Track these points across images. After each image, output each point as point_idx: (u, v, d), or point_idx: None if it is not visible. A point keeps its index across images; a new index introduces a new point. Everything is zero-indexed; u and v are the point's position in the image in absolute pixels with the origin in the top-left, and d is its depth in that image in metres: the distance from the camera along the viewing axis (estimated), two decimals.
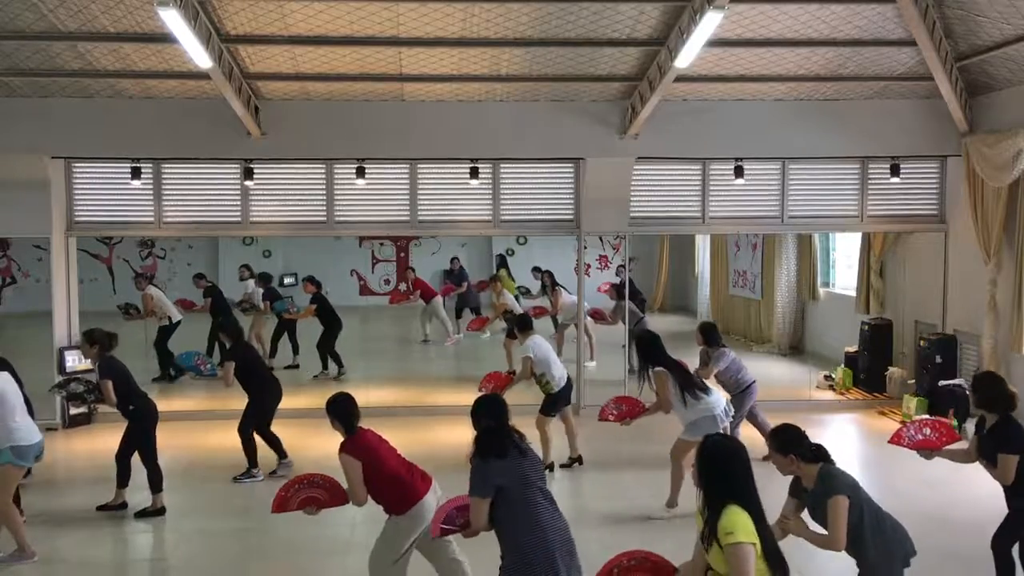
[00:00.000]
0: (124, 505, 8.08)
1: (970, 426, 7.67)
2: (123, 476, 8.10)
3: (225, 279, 16.35)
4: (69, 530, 7.41)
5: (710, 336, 9.36)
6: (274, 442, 9.14)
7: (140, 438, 8.02)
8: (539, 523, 4.58)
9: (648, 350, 8.01)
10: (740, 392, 9.18)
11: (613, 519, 7.76)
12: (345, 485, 5.48)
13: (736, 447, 4.08)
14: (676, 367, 7.92)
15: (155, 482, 8.00)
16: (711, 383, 8.43)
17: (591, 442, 9.76)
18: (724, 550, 3.80)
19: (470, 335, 16.13)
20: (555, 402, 9.10)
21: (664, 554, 4.41)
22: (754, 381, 9.27)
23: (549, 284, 14.59)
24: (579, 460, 9.37)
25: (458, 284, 16.74)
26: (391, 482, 5.42)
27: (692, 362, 9.30)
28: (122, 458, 8.07)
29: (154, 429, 8.10)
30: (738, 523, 3.80)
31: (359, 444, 5.47)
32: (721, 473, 3.94)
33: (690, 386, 7.80)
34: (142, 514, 7.95)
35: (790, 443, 4.74)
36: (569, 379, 9.24)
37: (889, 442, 5.93)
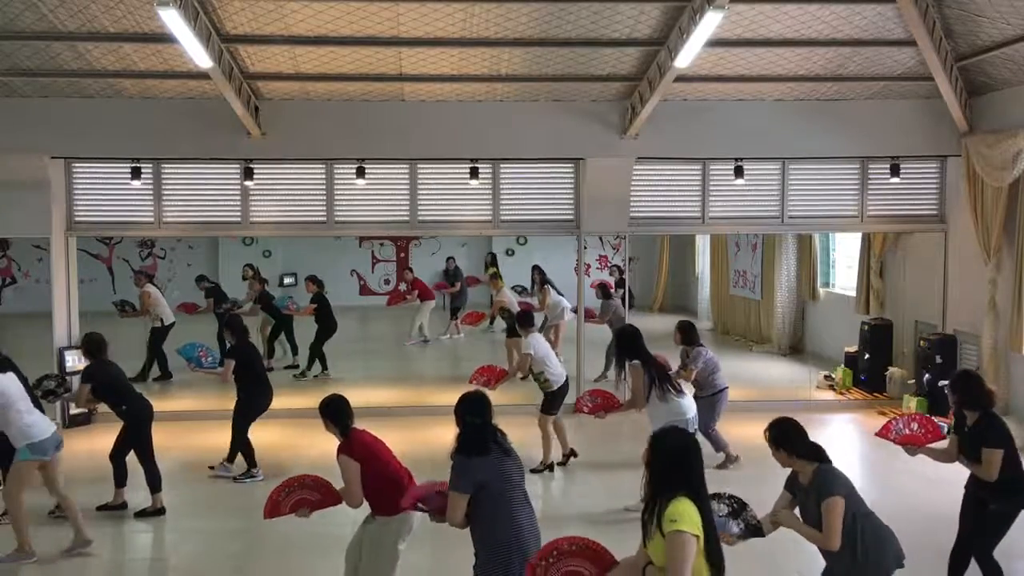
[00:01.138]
0: (124, 505, 8.09)
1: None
2: (119, 476, 8.12)
3: (225, 279, 16.35)
4: (69, 530, 7.39)
5: (688, 335, 9.28)
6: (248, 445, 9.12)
7: (134, 438, 8.03)
8: (517, 523, 4.60)
9: (626, 344, 7.99)
10: (711, 395, 9.06)
11: (612, 519, 7.75)
12: (338, 485, 5.47)
13: (690, 440, 4.02)
14: (652, 363, 7.89)
15: (153, 482, 8.01)
16: (686, 387, 8.40)
17: (590, 441, 9.77)
18: (666, 537, 3.70)
19: (469, 334, 16.15)
20: (554, 400, 9.13)
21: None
22: (726, 387, 9.17)
23: (538, 281, 14.60)
24: (573, 453, 9.38)
25: (451, 284, 16.75)
26: (388, 482, 5.40)
27: (674, 361, 9.28)
28: (116, 457, 8.09)
29: (149, 429, 8.11)
30: (684, 513, 3.71)
31: (357, 445, 5.46)
32: (673, 464, 3.85)
33: (663, 383, 7.73)
34: (142, 514, 7.96)
35: (782, 438, 4.74)
36: (567, 379, 9.25)
37: (876, 435, 5.93)
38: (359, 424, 5.64)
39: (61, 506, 7.39)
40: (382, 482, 5.40)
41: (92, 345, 8.05)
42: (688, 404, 7.84)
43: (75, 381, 9.57)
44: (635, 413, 8.35)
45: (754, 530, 4.48)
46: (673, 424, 7.58)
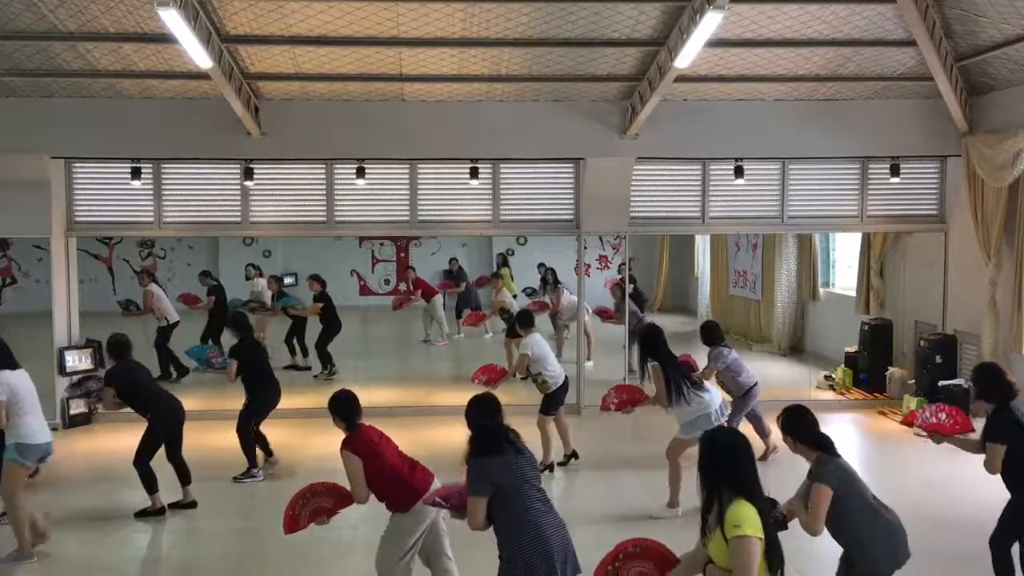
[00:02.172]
0: (194, 503, 8.11)
1: (977, 424, 7.64)
2: (182, 475, 8.12)
3: (225, 279, 16.32)
4: (69, 530, 7.41)
5: (709, 335, 9.35)
6: (260, 439, 9.18)
7: (155, 438, 7.96)
8: (536, 521, 4.58)
9: (647, 344, 8.02)
10: (741, 396, 9.15)
11: (612, 519, 7.76)
12: (346, 484, 5.48)
13: (740, 440, 4.07)
14: (671, 363, 7.90)
15: (148, 485, 7.96)
16: (710, 383, 8.42)
17: (590, 442, 9.78)
18: (730, 542, 3.78)
19: (470, 335, 16.12)
20: (553, 401, 9.13)
21: None
22: (756, 384, 9.24)
23: (551, 282, 14.60)
24: (574, 455, 9.38)
25: (456, 284, 16.72)
26: (392, 480, 5.43)
27: (702, 361, 9.31)
28: (172, 459, 8.07)
29: (170, 431, 8.03)
30: (747, 517, 3.79)
31: (360, 441, 5.48)
32: (727, 467, 3.92)
33: (681, 383, 7.77)
34: (142, 514, 7.94)
35: (788, 424, 4.86)
36: (566, 379, 9.24)
37: (902, 422, 5.92)
38: (363, 421, 5.65)
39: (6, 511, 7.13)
40: (387, 479, 5.43)
41: (116, 346, 8.03)
42: (711, 398, 7.88)
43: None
44: (660, 411, 8.36)
45: (781, 524, 4.54)
46: (698, 417, 7.67)
